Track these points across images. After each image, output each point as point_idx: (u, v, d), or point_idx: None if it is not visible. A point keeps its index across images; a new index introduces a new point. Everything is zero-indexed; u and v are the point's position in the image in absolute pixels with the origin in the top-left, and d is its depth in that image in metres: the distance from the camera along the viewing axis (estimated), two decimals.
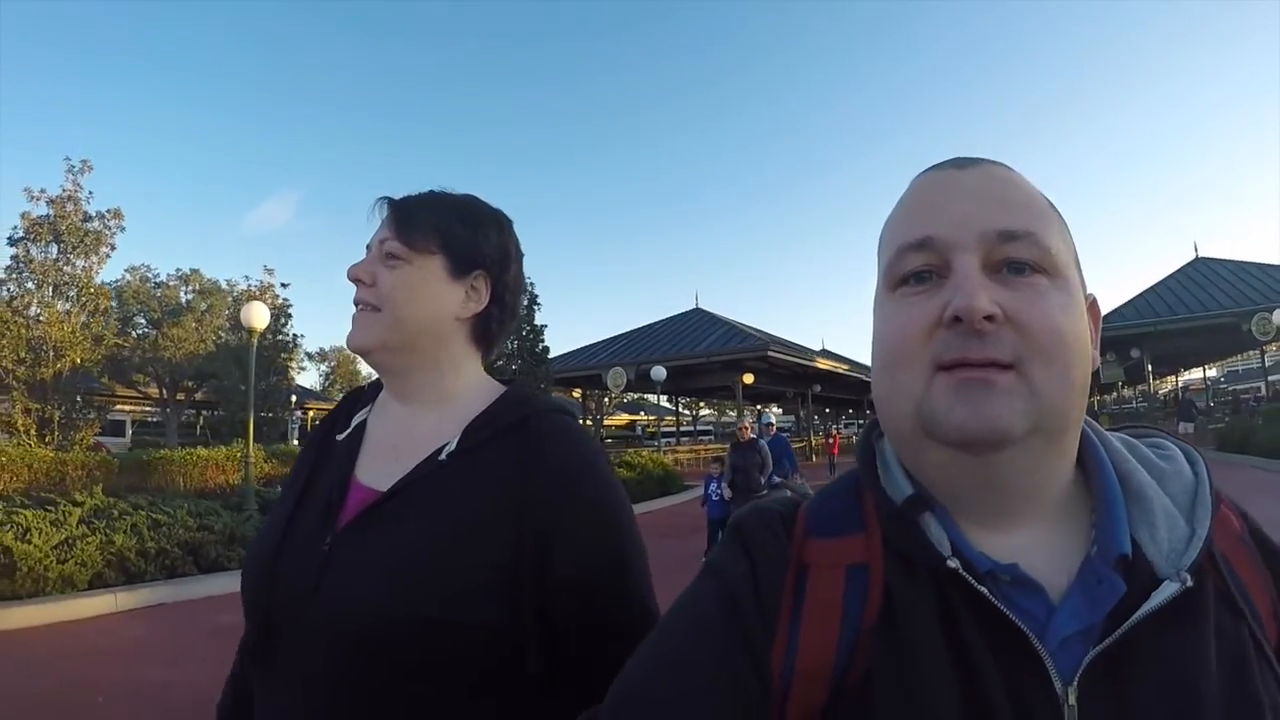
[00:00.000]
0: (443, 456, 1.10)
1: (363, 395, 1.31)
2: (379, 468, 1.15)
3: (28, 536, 8.09)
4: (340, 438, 1.23)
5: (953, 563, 0.64)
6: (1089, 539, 0.68)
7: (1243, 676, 0.62)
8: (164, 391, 30.25)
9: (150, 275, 28.52)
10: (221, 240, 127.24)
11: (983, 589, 0.63)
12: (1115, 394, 41.18)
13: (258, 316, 12.66)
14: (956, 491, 0.70)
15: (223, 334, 29.26)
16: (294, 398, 33.76)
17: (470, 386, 1.23)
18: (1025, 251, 0.67)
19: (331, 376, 59.29)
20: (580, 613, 1.04)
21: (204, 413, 37.09)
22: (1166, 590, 0.62)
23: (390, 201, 1.22)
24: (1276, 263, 31.35)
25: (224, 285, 30.27)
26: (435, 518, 1.05)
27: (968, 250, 0.67)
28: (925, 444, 0.68)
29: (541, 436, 1.11)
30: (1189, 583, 0.62)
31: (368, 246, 1.21)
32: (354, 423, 1.24)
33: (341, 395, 1.35)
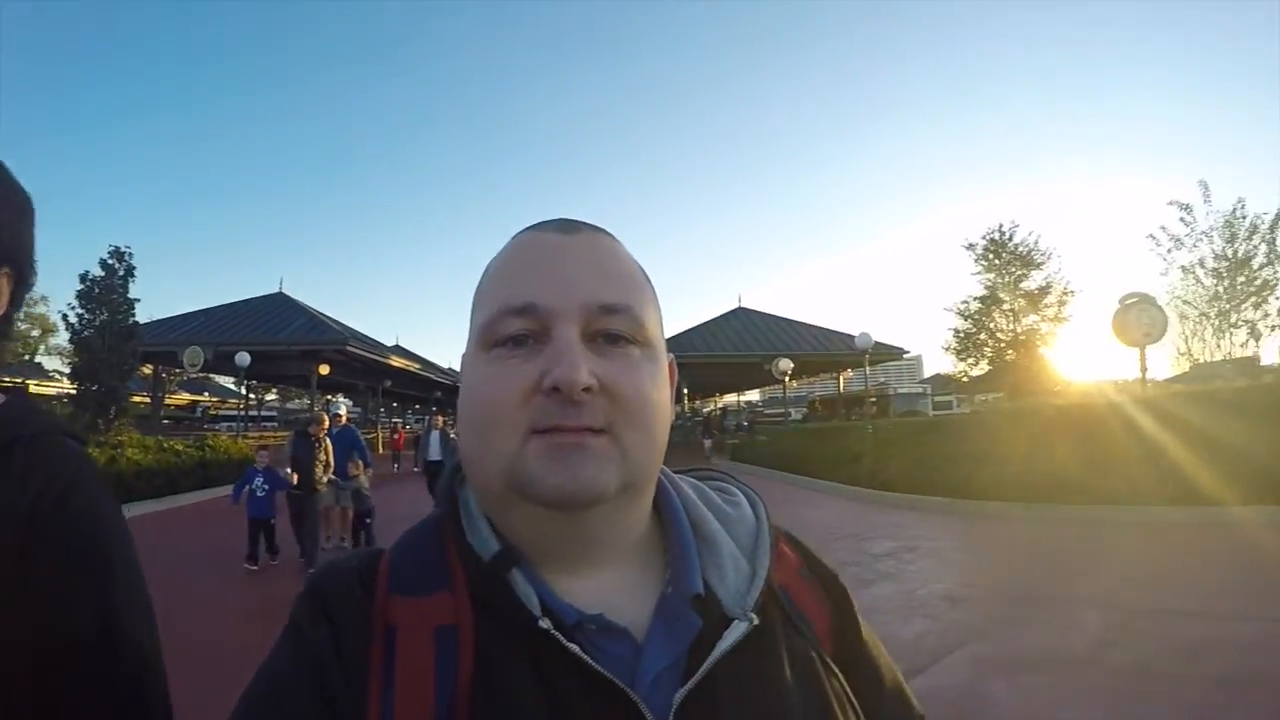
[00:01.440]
0: None
1: None
2: None
3: None
4: None
5: (544, 623, 0.65)
6: (666, 580, 0.72)
7: (816, 687, 0.71)
8: None
9: None
10: None
11: (573, 647, 0.64)
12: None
13: None
14: (545, 545, 0.71)
15: None
16: None
17: None
18: (622, 324, 0.69)
19: None
20: (58, 680, 0.83)
21: None
22: (737, 630, 0.68)
23: None
24: (794, 318, 39.88)
25: None
26: None
27: (569, 320, 0.68)
28: (516, 502, 0.69)
29: (26, 469, 0.89)
30: (755, 621, 0.69)
31: None
32: None
33: None
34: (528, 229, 0.77)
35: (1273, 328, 22.31)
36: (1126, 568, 8.19)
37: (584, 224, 0.76)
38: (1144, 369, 14.08)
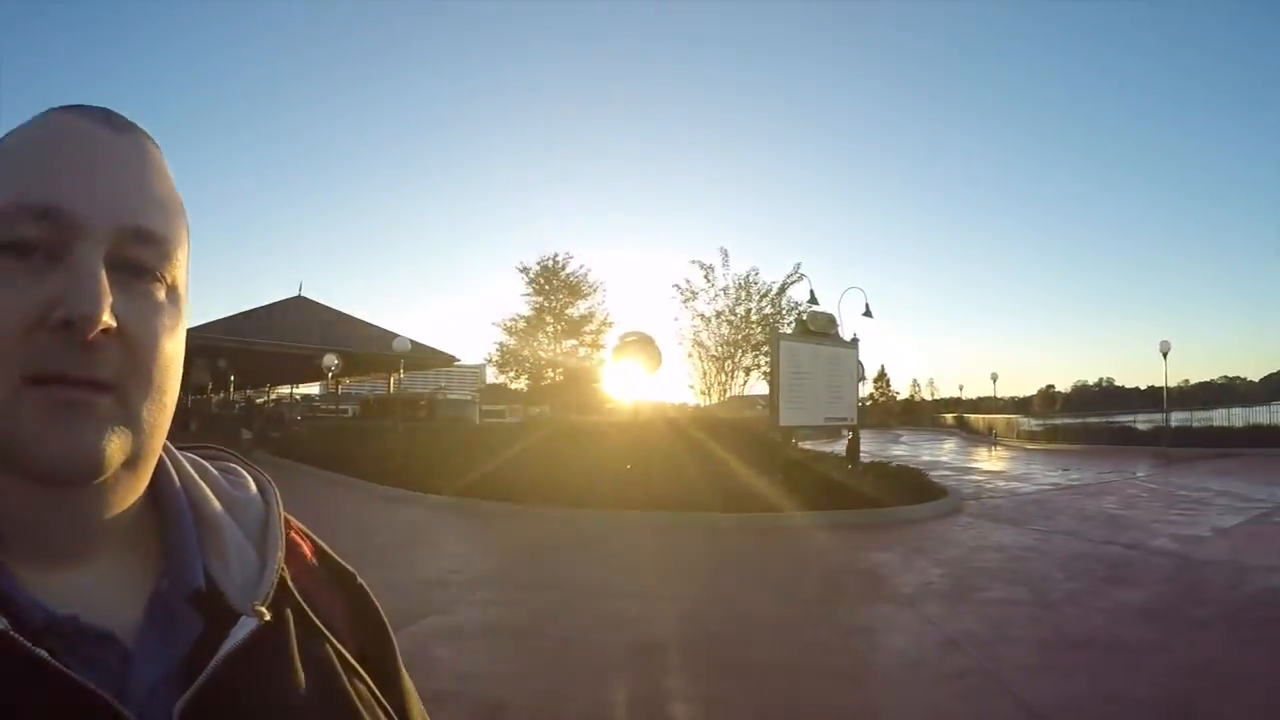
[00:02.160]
0: None
1: None
2: None
3: None
4: None
5: (1, 623, 0.49)
6: (161, 572, 0.61)
7: (337, 687, 0.64)
8: None
9: None
10: None
11: (42, 652, 0.49)
12: (207, 396, 44.12)
13: None
14: (12, 526, 0.55)
15: None
16: None
17: None
18: (154, 258, 0.57)
19: None
20: None
21: None
22: (245, 627, 0.59)
23: None
24: (357, 315, 38.76)
25: None
26: None
27: (97, 239, 0.54)
28: None
29: None
30: (266, 617, 0.60)
31: None
32: None
33: None
34: (63, 109, 0.60)
35: (764, 373, 26.71)
36: (591, 557, 9.56)
37: (134, 123, 0.62)
38: (640, 397, 16.28)
